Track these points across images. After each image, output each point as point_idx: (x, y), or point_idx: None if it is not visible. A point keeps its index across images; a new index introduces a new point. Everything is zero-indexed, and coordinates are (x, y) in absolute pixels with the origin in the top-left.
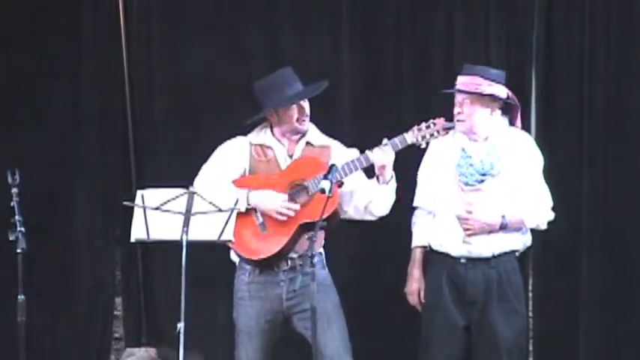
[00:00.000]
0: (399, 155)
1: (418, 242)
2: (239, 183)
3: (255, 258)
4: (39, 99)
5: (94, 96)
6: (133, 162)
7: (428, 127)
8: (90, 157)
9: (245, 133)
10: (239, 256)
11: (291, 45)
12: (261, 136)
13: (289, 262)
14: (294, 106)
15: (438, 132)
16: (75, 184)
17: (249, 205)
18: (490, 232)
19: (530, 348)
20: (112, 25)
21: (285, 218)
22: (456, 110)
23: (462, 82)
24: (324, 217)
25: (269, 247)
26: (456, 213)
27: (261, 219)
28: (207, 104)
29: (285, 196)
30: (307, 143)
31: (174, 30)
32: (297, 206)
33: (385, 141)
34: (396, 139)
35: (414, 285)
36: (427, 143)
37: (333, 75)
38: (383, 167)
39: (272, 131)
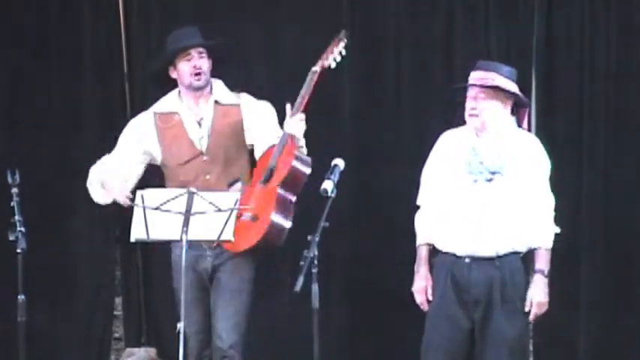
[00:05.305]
0: (403, 155)
1: (423, 240)
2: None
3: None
4: (39, 99)
5: (94, 95)
6: None
7: (326, 50)
8: (90, 157)
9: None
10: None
11: (291, 45)
12: (166, 103)
13: None
14: (187, 60)
15: (335, 47)
16: (75, 184)
17: None
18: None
19: (531, 348)
20: (112, 25)
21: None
22: (469, 105)
23: (477, 76)
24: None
25: (253, 235)
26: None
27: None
28: None
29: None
30: (216, 102)
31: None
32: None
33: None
34: (307, 77)
35: (421, 283)
36: (335, 60)
37: (333, 75)
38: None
39: (179, 95)
